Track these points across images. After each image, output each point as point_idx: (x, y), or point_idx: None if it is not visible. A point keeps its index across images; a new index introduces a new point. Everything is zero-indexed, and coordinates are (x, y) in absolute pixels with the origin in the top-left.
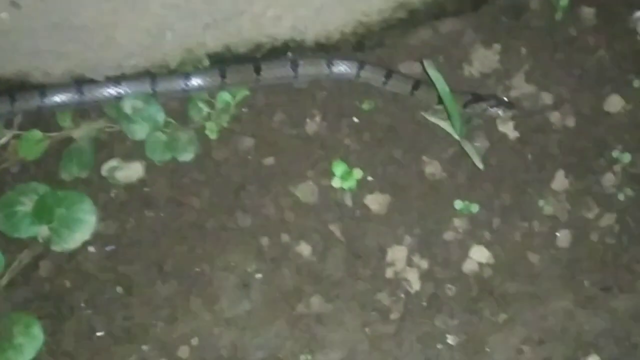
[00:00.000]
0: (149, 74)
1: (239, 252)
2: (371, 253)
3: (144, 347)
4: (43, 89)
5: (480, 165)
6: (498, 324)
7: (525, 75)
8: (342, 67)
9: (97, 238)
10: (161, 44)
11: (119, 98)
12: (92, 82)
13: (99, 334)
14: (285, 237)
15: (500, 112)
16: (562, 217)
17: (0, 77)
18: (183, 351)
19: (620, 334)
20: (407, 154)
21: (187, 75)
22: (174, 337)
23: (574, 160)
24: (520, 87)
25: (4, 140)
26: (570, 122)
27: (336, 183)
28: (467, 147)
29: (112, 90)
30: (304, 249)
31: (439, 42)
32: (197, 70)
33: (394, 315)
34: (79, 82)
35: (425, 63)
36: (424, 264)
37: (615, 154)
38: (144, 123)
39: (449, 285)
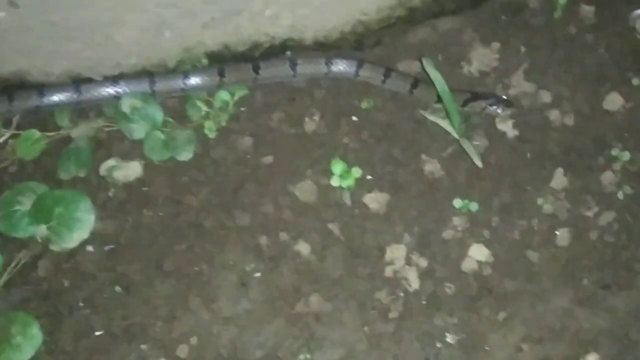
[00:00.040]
0: (148, 73)
1: (237, 251)
2: (370, 252)
3: (143, 346)
4: (41, 88)
5: (480, 164)
6: (497, 322)
7: (524, 74)
8: (341, 66)
9: (95, 237)
10: (160, 43)
11: (117, 97)
12: (90, 81)
13: (97, 333)
14: (284, 236)
15: (499, 110)
16: (561, 215)
17: None
18: (182, 350)
19: (619, 332)
20: (406, 152)
21: (185, 75)
22: (173, 336)
23: (573, 159)
24: (519, 85)
25: (2, 139)
26: (570, 120)
27: (335, 182)
28: (466, 146)
29: (110, 90)
30: (303, 247)
31: (438, 41)
32: (196, 69)
33: (393, 314)
34: (77, 82)
35: (424, 61)
36: (423, 263)
37: (614, 152)
38: (143, 122)
39: (448, 284)
